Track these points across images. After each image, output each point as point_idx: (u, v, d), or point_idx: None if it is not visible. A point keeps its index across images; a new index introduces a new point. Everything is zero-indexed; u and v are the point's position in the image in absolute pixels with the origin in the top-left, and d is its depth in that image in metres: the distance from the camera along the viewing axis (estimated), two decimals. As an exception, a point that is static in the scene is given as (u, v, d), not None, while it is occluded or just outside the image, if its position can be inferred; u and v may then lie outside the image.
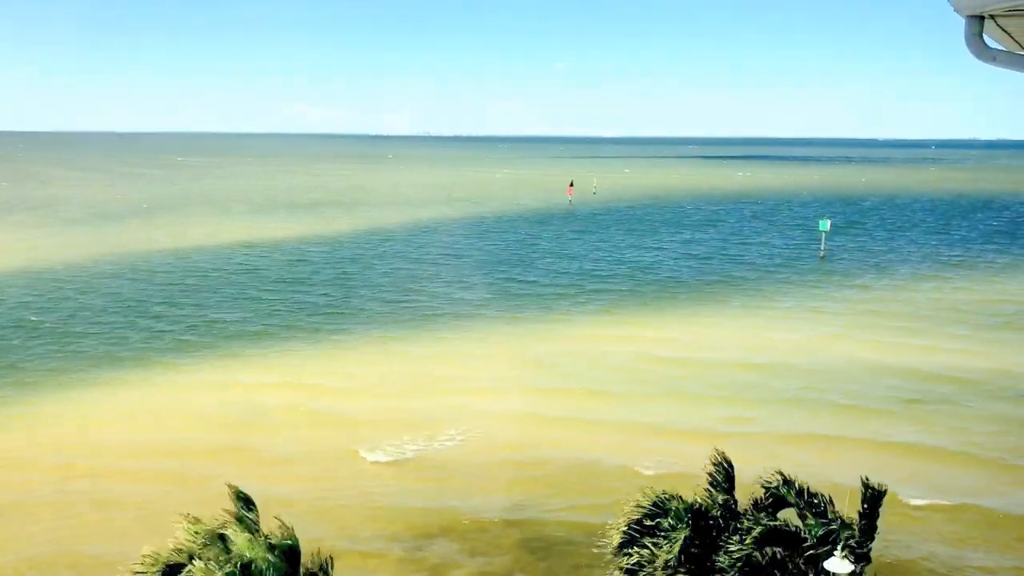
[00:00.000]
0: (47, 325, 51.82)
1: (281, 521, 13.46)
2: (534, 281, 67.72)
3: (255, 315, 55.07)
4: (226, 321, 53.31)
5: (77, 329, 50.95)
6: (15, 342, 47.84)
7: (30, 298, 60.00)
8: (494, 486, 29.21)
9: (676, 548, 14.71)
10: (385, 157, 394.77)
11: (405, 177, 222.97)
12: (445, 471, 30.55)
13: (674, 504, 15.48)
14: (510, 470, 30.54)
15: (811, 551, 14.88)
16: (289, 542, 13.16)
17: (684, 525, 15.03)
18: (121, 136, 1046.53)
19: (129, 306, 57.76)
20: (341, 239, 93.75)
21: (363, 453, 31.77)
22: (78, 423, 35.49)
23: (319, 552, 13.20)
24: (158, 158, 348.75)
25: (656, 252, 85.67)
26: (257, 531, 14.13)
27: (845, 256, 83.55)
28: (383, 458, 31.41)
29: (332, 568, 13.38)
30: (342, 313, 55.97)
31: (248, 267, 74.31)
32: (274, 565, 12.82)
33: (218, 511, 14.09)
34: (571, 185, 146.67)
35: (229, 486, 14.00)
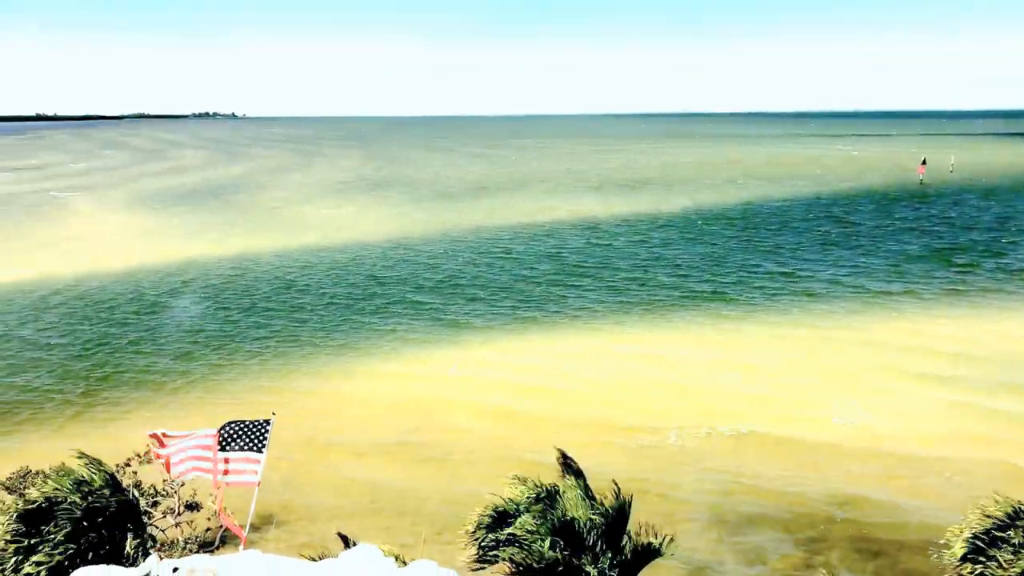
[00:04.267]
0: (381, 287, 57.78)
1: (615, 484, 13.45)
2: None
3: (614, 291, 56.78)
4: (580, 293, 55.58)
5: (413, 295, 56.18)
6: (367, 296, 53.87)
7: (377, 262, 67.18)
8: (825, 477, 27.46)
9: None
10: (723, 136, 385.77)
11: (733, 154, 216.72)
12: (773, 454, 29.28)
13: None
14: (852, 462, 28.55)
15: None
16: (619, 502, 13.11)
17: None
18: (500, 119, 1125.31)
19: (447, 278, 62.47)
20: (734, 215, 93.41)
21: (673, 434, 31.38)
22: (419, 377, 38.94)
23: (646, 523, 12.97)
24: (500, 140, 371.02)
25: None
26: (585, 494, 14.24)
27: None
28: (701, 436, 30.82)
29: (665, 543, 13.07)
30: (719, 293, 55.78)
31: (566, 247, 76.68)
32: (598, 525, 12.84)
33: (542, 473, 14.40)
34: (923, 163, 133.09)
35: (557, 449, 14.24)
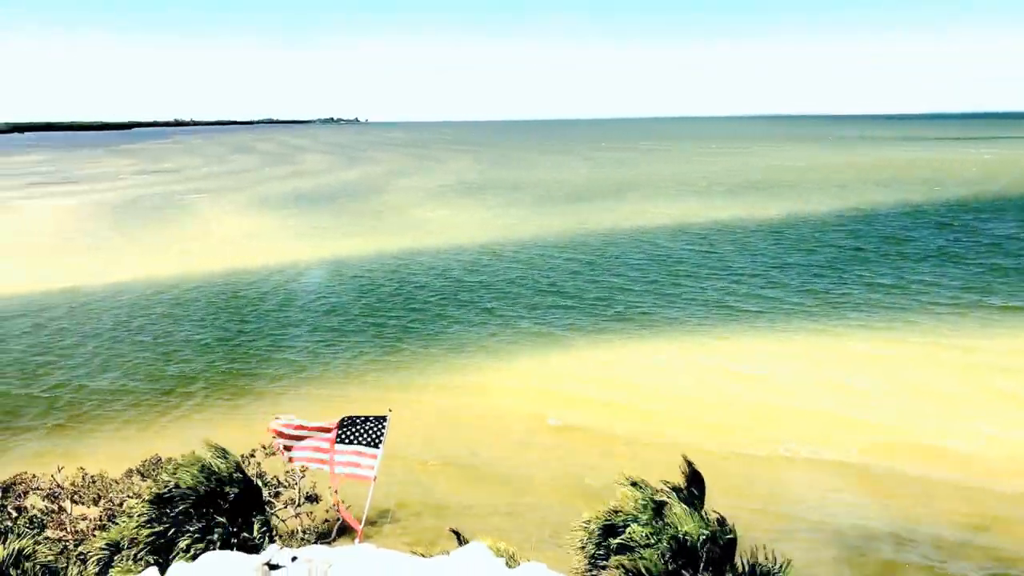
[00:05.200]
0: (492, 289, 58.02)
1: (718, 514, 13.08)
2: None
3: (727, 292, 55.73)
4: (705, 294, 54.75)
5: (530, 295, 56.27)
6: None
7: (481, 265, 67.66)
8: (949, 498, 26.06)
9: None
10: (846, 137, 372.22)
11: (846, 157, 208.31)
12: (890, 474, 27.98)
13: None
14: (981, 481, 27.01)
15: None
16: (729, 535, 12.73)
17: None
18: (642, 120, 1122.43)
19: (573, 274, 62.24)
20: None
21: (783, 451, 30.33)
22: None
23: (761, 544, 12.55)
24: (609, 142, 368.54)
25: None
26: (697, 507, 13.88)
27: None
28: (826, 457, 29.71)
29: (785, 568, 12.62)
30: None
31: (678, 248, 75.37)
32: (710, 540, 12.50)
33: (662, 478, 14.14)
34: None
35: (682, 456, 13.94)
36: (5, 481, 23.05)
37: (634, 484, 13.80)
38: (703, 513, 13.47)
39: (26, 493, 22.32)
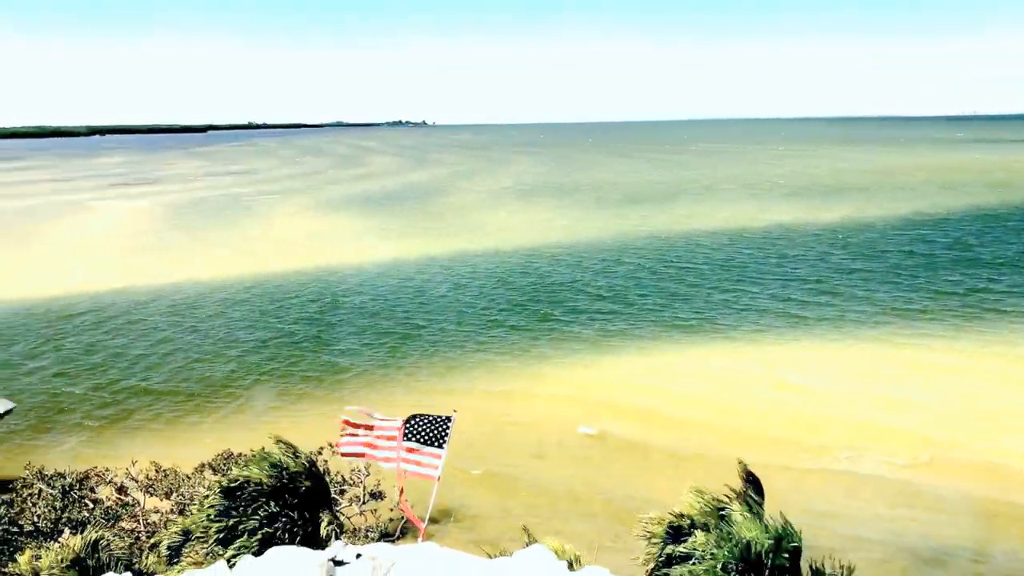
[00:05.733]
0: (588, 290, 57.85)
1: (784, 519, 12.88)
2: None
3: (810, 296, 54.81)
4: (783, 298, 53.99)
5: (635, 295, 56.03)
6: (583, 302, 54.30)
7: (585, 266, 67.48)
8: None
9: None
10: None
11: (916, 159, 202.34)
12: (961, 484, 27.13)
13: None
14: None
15: None
16: (795, 544, 12.54)
17: None
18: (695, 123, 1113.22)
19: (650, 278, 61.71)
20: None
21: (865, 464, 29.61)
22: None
23: (826, 555, 12.33)
24: (676, 144, 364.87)
25: None
26: (760, 515, 13.68)
27: None
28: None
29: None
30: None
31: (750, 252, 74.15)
32: (775, 550, 12.33)
33: (722, 487, 14.01)
34: None
35: (739, 463, 13.76)
36: (79, 473, 23.92)
37: (697, 491, 13.68)
38: (766, 520, 13.29)
39: (99, 485, 23.11)
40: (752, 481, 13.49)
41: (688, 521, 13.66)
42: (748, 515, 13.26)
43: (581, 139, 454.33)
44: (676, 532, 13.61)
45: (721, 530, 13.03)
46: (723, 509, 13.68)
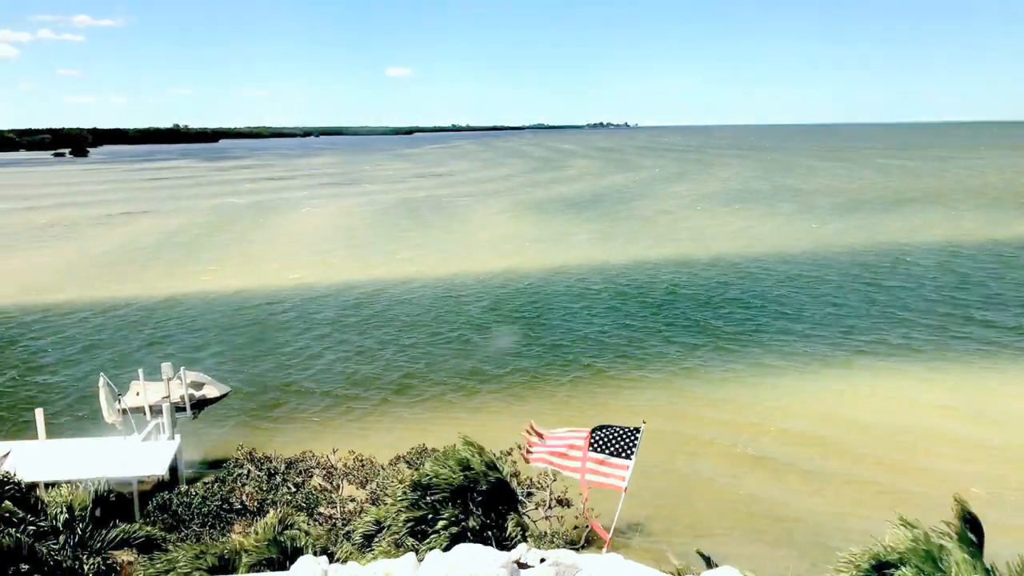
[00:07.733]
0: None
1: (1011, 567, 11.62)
2: None
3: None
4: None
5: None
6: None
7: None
8: None
9: None
10: None
11: None
12: None
13: None
14: None
15: None
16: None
17: None
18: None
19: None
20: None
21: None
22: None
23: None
24: (895, 148, 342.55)
25: None
26: (977, 556, 12.44)
27: None
28: None
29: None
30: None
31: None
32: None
33: (937, 522, 12.82)
34: None
35: (955, 499, 12.59)
36: (285, 458, 25.59)
37: (906, 524, 12.60)
38: (988, 566, 12.04)
39: (308, 471, 24.62)
40: (969, 521, 12.24)
41: (896, 556, 12.61)
42: (967, 558, 12.03)
43: (787, 142, 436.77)
44: (880, 566, 12.60)
45: (930, 569, 11.91)
46: (937, 548, 12.50)
